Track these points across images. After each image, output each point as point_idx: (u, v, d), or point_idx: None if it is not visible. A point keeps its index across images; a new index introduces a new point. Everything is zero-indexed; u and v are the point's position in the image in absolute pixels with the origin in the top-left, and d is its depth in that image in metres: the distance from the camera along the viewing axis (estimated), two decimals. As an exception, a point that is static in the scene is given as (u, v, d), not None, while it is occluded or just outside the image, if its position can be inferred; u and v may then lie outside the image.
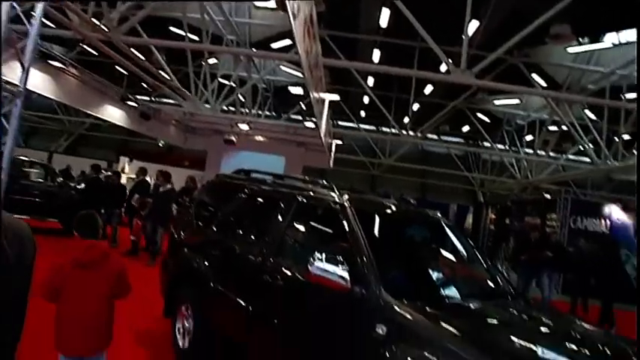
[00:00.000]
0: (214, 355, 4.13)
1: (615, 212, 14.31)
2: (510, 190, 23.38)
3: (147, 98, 18.34)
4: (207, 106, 14.46)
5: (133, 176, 12.16)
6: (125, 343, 4.77)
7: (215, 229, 4.56)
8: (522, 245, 10.59)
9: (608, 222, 14.15)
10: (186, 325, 4.52)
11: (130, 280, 3.15)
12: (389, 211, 3.86)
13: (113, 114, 15.29)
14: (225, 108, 15.48)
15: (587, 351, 2.70)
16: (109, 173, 12.89)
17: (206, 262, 4.34)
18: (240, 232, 4.38)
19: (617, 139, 14.15)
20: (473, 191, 27.53)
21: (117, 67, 16.50)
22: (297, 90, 19.01)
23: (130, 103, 15.12)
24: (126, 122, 16.06)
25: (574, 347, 2.74)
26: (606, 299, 9.22)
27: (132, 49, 9.57)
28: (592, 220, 14.10)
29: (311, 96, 10.65)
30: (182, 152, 23.42)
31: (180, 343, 4.54)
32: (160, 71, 12.17)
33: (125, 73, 17.44)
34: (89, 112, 15.35)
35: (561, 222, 13.99)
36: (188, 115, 17.17)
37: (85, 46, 15.48)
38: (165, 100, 18.14)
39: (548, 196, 16.90)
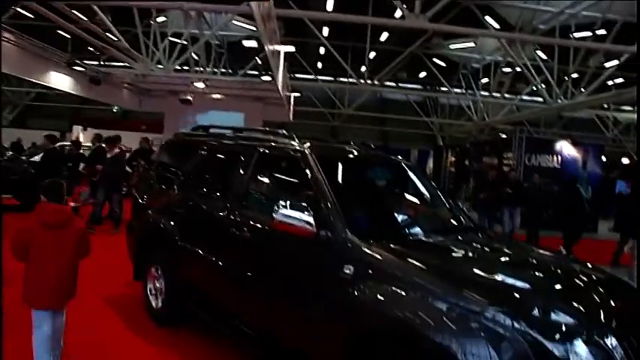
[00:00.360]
0: (189, 312, 4.19)
1: (566, 148, 14.93)
2: (468, 133, 23.93)
3: (95, 62, 17.53)
4: (159, 66, 13.98)
5: (89, 144, 11.70)
6: (99, 310, 4.79)
7: (178, 187, 4.53)
8: (481, 184, 10.93)
9: (559, 157, 14.80)
10: (158, 285, 4.55)
11: (96, 249, 3.40)
12: (351, 155, 3.90)
13: (60, 81, 14.52)
14: (178, 67, 15.02)
15: (541, 273, 2.90)
16: (68, 143, 12.43)
17: (172, 222, 4.33)
18: (204, 188, 4.36)
19: (566, 78, 14.59)
20: (432, 136, 28.05)
21: (59, 31, 15.63)
22: (251, 43, 18.58)
23: (77, 68, 14.39)
24: (75, 89, 15.31)
25: (530, 271, 2.92)
26: (571, 231, 9.76)
27: (73, 11, 9.07)
28: (545, 157, 14.71)
29: (266, 49, 10.45)
30: (138, 116, 22.71)
31: (154, 304, 4.59)
32: (107, 33, 11.60)
33: (68, 36, 16.56)
34: (33, 80, 14.56)
35: (517, 160, 14.51)
36: (141, 78, 16.56)
37: (19, 9, 14.55)
38: (115, 63, 17.37)
39: (504, 136, 17.40)
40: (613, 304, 2.46)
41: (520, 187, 10.87)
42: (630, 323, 2.33)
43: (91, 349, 3.89)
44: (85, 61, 15.37)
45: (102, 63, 17.88)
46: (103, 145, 10.27)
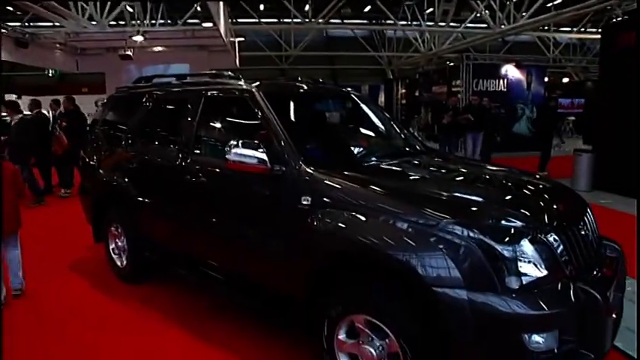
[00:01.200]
0: (155, 265, 4.20)
1: (511, 71, 15.29)
2: (417, 64, 24.02)
3: (18, 24, 16.29)
4: (92, 22, 13.20)
5: (29, 113, 11.01)
6: (64, 277, 4.75)
7: (127, 143, 4.41)
8: (441, 112, 10.88)
9: (505, 81, 15.18)
10: (120, 244, 4.53)
11: (51, 219, 3.48)
12: (300, 90, 3.86)
13: (-21, 47, 13.45)
14: (113, 22, 14.23)
15: (493, 187, 3.04)
16: (3, 114, 11.67)
17: (126, 179, 4.25)
18: (154, 139, 4.25)
19: (508, 3, 14.74)
20: (382, 70, 28.01)
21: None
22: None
23: (-2, 31, 13.35)
24: (-1, 54, 14.23)
25: (483, 186, 3.06)
26: (543, 151, 10.48)
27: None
28: (492, 81, 15.04)
29: (203, -7, 9.98)
30: (77, 78, 21.52)
31: (119, 263, 4.58)
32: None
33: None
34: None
35: (465, 86, 14.79)
36: (74, 36, 15.61)
37: None
38: (42, 23, 16.19)
39: (451, 64, 17.59)
40: (555, 206, 2.62)
41: (484, 113, 10.79)
42: (568, 220, 2.52)
43: (63, 314, 3.90)
44: (7, 24, 14.25)
45: (27, 24, 16.65)
46: (44, 112, 9.74)
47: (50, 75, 20.63)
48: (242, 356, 3.17)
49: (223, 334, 3.47)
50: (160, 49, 17.17)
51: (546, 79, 16.88)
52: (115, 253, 4.63)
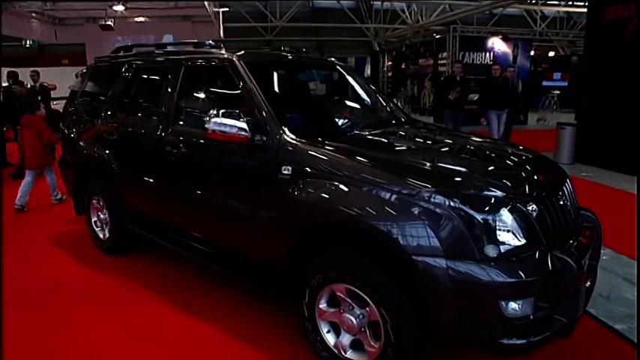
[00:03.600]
0: (137, 237, 4.19)
1: (497, 44, 15.24)
2: (404, 36, 23.81)
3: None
4: (70, -9, 12.77)
5: (5, 84, 10.68)
6: (48, 251, 4.73)
7: (107, 114, 4.33)
8: (450, 85, 9.57)
9: (491, 54, 15.14)
10: (102, 216, 4.50)
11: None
12: (282, 60, 3.81)
13: (-52, 15, 12.90)
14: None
15: (476, 157, 3.05)
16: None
17: (106, 150, 4.19)
18: (134, 110, 4.17)
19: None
20: (368, 42, 27.69)
21: None
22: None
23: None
24: (-32, 25, 13.68)
25: (466, 156, 3.05)
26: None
27: None
28: (478, 54, 14.99)
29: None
30: (57, 49, 20.90)
31: (101, 235, 4.56)
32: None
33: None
34: None
35: (451, 58, 14.72)
36: (50, 5, 15.10)
37: None
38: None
39: (438, 36, 17.46)
40: (535, 177, 2.63)
41: (509, 87, 9.61)
42: (547, 190, 2.54)
43: (46, 288, 3.88)
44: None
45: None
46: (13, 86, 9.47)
47: (27, 46, 20.01)
48: (228, 326, 3.18)
49: (208, 305, 3.48)
50: (142, 19, 16.73)
51: (532, 53, 16.88)
52: (97, 226, 4.61)
